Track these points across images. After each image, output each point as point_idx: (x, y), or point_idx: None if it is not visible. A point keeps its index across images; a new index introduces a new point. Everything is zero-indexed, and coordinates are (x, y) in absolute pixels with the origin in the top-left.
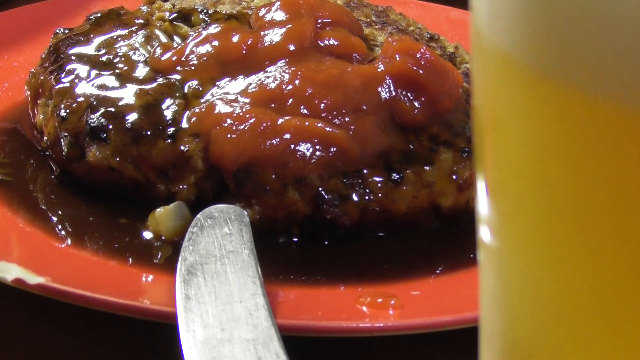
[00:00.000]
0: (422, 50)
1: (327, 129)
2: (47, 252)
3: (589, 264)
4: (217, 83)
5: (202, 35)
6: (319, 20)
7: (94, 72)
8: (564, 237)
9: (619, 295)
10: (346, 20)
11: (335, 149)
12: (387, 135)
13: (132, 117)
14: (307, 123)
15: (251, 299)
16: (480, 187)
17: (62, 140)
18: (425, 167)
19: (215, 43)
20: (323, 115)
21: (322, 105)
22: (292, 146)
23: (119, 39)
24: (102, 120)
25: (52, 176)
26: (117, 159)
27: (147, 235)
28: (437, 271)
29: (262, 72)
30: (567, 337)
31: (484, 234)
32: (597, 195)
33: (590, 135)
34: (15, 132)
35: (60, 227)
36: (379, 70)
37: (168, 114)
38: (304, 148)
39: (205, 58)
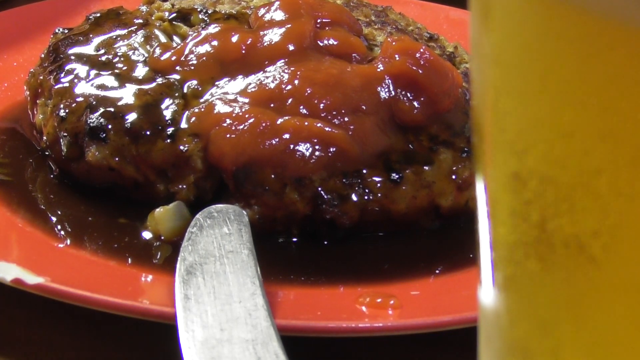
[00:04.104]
0: (421, 50)
1: (327, 129)
2: (47, 252)
3: (587, 264)
4: (217, 83)
5: (201, 35)
6: (319, 20)
7: (93, 72)
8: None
9: (617, 295)
10: (346, 20)
11: (334, 149)
12: (387, 135)
13: (131, 117)
14: (306, 123)
15: (250, 299)
16: (480, 187)
17: (61, 140)
18: (424, 167)
19: (215, 43)
20: (322, 115)
21: (322, 105)
22: (292, 146)
23: (119, 39)
24: (102, 120)
25: (52, 176)
26: (117, 159)
27: (147, 235)
28: (437, 271)
29: (262, 72)
30: (566, 337)
31: (483, 233)
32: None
33: None
34: (15, 132)
35: (59, 227)
36: (379, 70)
37: (167, 114)
38: (304, 148)
39: (204, 58)
